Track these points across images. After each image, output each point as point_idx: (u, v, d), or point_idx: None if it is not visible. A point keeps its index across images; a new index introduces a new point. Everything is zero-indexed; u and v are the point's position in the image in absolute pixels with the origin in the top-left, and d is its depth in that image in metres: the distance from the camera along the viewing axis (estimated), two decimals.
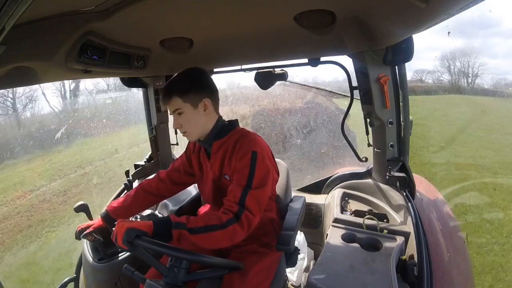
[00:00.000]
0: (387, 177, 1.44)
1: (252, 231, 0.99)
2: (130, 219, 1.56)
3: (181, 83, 1.05)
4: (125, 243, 0.84)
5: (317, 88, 2.17)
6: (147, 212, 1.40)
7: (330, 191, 1.75)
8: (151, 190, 1.25)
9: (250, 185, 0.97)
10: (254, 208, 0.96)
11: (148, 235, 0.86)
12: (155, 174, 1.33)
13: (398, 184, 1.41)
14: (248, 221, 0.94)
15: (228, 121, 1.15)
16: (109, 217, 1.21)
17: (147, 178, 1.34)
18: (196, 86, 1.05)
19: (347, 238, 1.21)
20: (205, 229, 0.90)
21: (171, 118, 1.93)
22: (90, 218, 1.27)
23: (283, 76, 1.60)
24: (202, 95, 1.04)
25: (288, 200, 1.39)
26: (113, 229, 0.91)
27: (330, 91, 1.96)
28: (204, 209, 1.36)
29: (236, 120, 1.17)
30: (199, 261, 0.84)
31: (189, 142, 1.27)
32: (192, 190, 1.64)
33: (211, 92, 1.08)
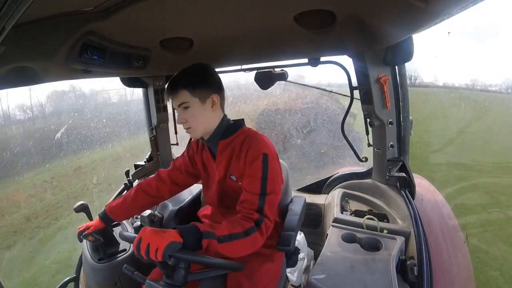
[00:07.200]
0: (387, 177, 1.44)
1: None
2: (130, 220, 1.56)
3: (191, 76, 1.01)
4: (165, 257, 0.78)
5: (317, 88, 2.17)
6: (147, 212, 1.40)
7: (330, 191, 1.75)
8: (150, 191, 1.22)
9: (265, 191, 0.95)
10: (270, 214, 0.95)
11: (181, 245, 0.81)
12: (155, 173, 1.32)
13: (398, 184, 1.41)
14: (266, 229, 0.93)
15: (233, 120, 1.12)
16: (107, 218, 1.20)
17: (146, 178, 1.32)
18: (206, 81, 1.03)
19: (347, 238, 1.22)
20: (230, 237, 0.87)
21: (171, 118, 1.94)
22: (90, 218, 1.27)
23: (283, 76, 1.60)
24: (211, 91, 1.03)
25: (288, 200, 1.39)
26: (135, 238, 0.82)
27: (330, 91, 1.96)
28: (204, 211, 1.34)
29: (242, 119, 1.14)
30: (203, 262, 0.84)
31: (191, 141, 1.24)
32: (192, 190, 1.64)
33: (220, 89, 1.07)
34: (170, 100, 1.06)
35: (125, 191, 1.68)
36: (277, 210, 1.26)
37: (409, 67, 1.31)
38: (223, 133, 1.08)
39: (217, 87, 1.06)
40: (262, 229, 0.92)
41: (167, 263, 0.84)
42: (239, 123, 1.12)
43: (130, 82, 1.75)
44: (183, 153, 1.27)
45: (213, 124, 1.07)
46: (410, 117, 1.41)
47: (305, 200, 1.39)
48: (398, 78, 1.34)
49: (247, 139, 1.04)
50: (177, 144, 2.05)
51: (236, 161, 1.05)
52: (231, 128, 1.08)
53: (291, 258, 1.22)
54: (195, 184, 1.32)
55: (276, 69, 1.59)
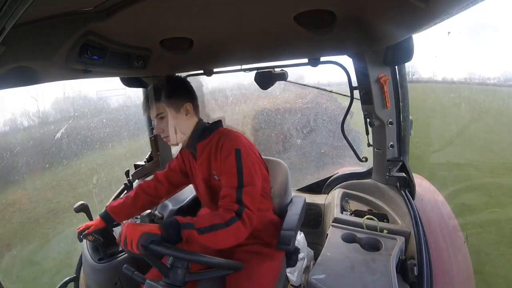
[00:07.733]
0: (387, 177, 1.45)
1: (253, 230, 0.99)
2: (130, 220, 1.57)
3: (165, 88, 1.11)
4: (139, 248, 0.81)
5: (317, 88, 2.17)
6: (146, 212, 1.40)
7: (330, 191, 1.76)
8: (149, 190, 1.27)
9: (242, 184, 0.99)
10: (251, 204, 0.98)
11: (159, 238, 0.83)
12: (153, 175, 1.34)
13: (398, 184, 1.41)
14: (249, 218, 0.95)
15: (211, 122, 1.18)
16: (109, 218, 1.22)
17: (145, 180, 1.34)
18: (179, 92, 1.13)
19: (347, 238, 1.22)
20: (211, 228, 0.89)
21: None
22: (90, 218, 1.27)
23: (283, 76, 1.60)
24: (184, 100, 1.12)
25: (288, 200, 1.39)
26: (119, 232, 0.86)
27: (331, 91, 1.96)
28: (203, 211, 1.36)
29: (220, 120, 1.20)
30: (202, 261, 0.84)
31: None
32: (192, 190, 1.64)
33: (192, 97, 1.16)
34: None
35: (125, 191, 1.68)
36: (272, 208, 1.28)
37: (408, 64, 1.31)
38: (199, 136, 1.14)
39: (190, 96, 1.15)
40: (244, 219, 0.94)
41: (158, 259, 0.85)
42: (216, 124, 1.17)
43: (130, 82, 1.75)
44: (177, 155, 1.33)
45: (187, 131, 1.14)
46: (410, 117, 1.41)
47: (305, 200, 1.39)
48: (398, 78, 1.34)
49: (221, 138, 1.08)
50: (177, 144, 2.04)
51: (215, 161, 1.09)
52: (207, 130, 1.14)
53: (291, 257, 1.23)
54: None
55: (276, 69, 1.59)
